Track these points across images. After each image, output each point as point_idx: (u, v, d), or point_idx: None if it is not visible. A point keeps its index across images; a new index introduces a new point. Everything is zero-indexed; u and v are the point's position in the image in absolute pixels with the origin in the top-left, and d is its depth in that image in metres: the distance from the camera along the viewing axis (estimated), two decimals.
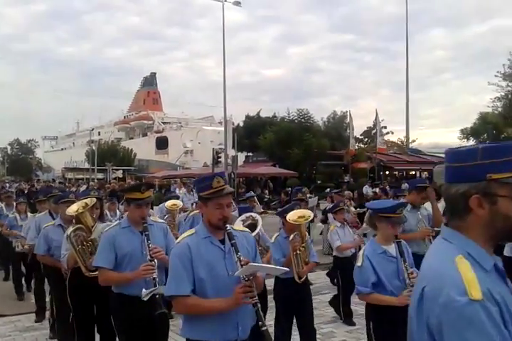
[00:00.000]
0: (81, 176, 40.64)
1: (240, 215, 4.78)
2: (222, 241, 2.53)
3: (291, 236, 4.25)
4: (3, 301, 7.02)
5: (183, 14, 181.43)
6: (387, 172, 31.54)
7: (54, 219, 5.17)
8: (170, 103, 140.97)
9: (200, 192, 2.57)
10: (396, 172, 32.86)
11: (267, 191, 27.04)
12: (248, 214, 4.71)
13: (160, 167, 50.43)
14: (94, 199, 4.22)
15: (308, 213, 4.43)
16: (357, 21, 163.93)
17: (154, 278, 3.01)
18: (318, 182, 29.82)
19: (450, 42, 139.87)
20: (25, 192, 19.61)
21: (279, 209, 5.21)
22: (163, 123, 73.22)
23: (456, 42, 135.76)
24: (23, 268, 7.44)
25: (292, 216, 4.29)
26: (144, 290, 2.95)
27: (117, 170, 37.79)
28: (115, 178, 34.36)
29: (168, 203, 7.07)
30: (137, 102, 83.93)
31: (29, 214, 7.49)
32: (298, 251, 4.25)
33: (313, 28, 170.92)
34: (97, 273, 3.58)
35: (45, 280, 5.65)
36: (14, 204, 8.39)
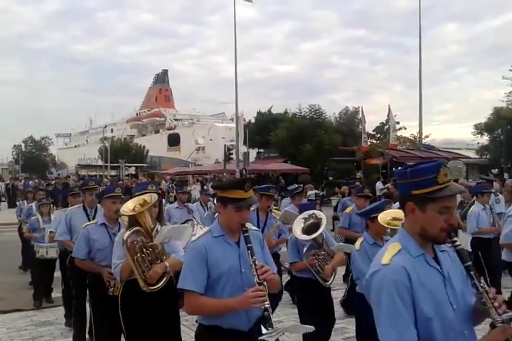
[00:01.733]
0: (94, 173, 40.99)
1: (301, 212, 4.25)
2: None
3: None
4: (20, 296, 7.14)
5: (194, 11, 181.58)
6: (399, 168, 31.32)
7: (87, 214, 4.98)
8: (182, 100, 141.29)
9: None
10: None
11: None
12: (311, 212, 4.11)
13: (172, 163, 50.66)
14: (155, 196, 3.48)
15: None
16: (369, 16, 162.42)
17: (267, 309, 2.31)
18: (330, 178, 29.71)
19: (464, 37, 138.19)
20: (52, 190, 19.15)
21: (365, 208, 4.26)
22: (175, 120, 73.54)
23: (469, 37, 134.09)
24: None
25: (384, 216, 3.49)
26: (263, 329, 2.26)
27: (130, 166, 38.11)
28: (128, 175, 34.64)
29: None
30: (149, 99, 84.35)
31: (52, 215, 7.14)
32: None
33: (326, 24, 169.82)
34: (157, 287, 3.27)
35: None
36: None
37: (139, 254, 3.23)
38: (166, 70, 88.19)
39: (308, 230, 3.98)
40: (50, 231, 5.74)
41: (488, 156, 30.51)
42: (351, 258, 3.74)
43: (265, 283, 2.33)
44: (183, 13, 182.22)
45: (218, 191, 2.60)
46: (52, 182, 26.41)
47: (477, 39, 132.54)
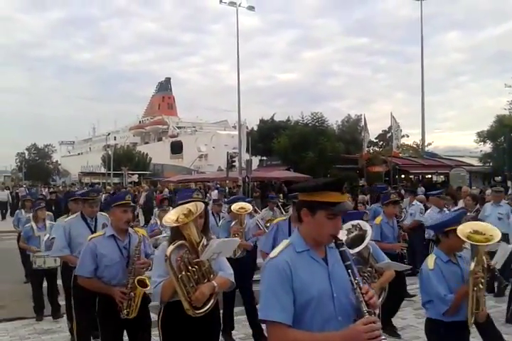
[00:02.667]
0: (97, 180, 41.10)
1: (345, 222, 3.65)
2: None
3: (472, 265, 3.07)
4: (23, 304, 7.12)
5: (197, 20, 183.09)
6: (402, 176, 31.26)
7: (88, 224, 4.60)
8: (184, 108, 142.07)
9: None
10: (412, 176, 32.53)
11: (281, 195, 27.02)
12: (355, 222, 3.63)
13: (175, 171, 50.78)
14: (201, 205, 3.06)
15: (490, 229, 3.14)
16: (371, 25, 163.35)
17: None
18: None
19: (466, 45, 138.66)
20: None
21: (438, 220, 3.78)
22: (178, 127, 73.77)
23: (471, 45, 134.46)
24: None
25: (464, 229, 3.10)
26: None
27: (133, 174, 38.19)
28: (131, 182, 34.70)
29: (235, 206, 5.65)
30: (152, 107, 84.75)
31: (48, 222, 6.73)
32: (480, 286, 3.09)
33: (328, 32, 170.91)
34: (203, 310, 2.89)
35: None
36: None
37: (183, 272, 2.84)
38: (169, 78, 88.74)
39: (352, 243, 3.47)
40: (52, 237, 5.13)
41: (491, 164, 30.45)
42: (423, 278, 3.30)
43: (376, 311, 1.90)
44: (185, 21, 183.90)
45: (303, 194, 2.06)
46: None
47: (479, 47, 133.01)
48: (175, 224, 2.95)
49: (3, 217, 22.18)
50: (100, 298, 3.64)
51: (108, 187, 33.66)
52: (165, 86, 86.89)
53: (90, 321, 4.17)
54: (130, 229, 3.73)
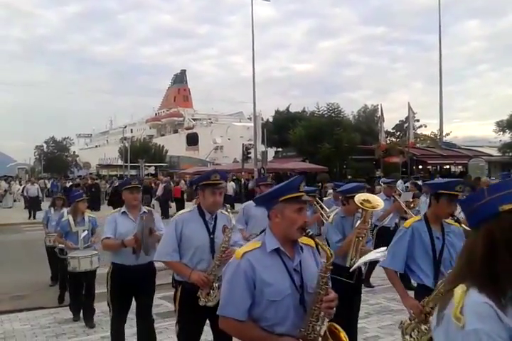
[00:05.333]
0: (115, 173, 41.47)
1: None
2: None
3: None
4: (43, 294, 7.29)
5: (213, 11, 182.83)
6: (420, 167, 30.92)
7: (205, 221, 3.57)
8: (200, 100, 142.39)
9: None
10: (429, 167, 32.17)
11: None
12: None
13: (191, 163, 50.94)
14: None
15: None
16: (389, 13, 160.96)
17: None
18: (349, 177, 29.53)
19: (486, 33, 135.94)
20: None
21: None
22: (194, 119, 73.89)
23: (491, 33, 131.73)
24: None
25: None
26: None
27: (149, 166, 38.42)
28: (147, 174, 34.95)
29: (359, 197, 4.47)
30: (168, 99, 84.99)
31: (88, 215, 6.08)
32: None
33: (344, 21, 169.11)
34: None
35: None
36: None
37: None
38: (184, 70, 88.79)
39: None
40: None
41: (510, 154, 29.89)
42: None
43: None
44: (202, 13, 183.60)
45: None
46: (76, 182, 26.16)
47: (499, 35, 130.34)
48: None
49: (34, 216, 18.87)
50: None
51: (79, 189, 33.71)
52: (180, 78, 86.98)
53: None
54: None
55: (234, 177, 25.70)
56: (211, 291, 3.30)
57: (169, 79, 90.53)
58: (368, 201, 3.91)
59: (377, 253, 3.32)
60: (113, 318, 4.40)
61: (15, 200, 26.28)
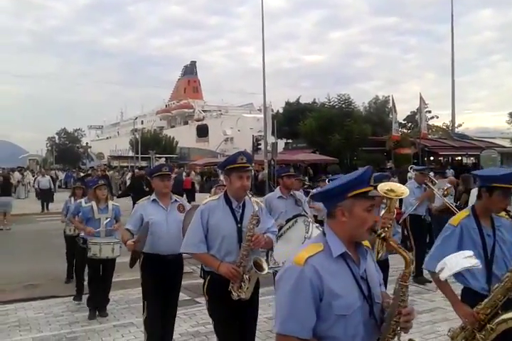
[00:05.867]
0: (126, 164, 41.71)
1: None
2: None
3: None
4: (56, 283, 7.39)
5: (223, 2, 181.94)
6: (431, 158, 30.65)
7: (232, 210, 3.28)
8: (210, 91, 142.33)
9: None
10: (441, 158, 31.88)
11: (306, 178, 26.91)
12: None
13: (201, 154, 51.05)
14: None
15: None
16: (400, 3, 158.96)
17: None
18: (359, 168, 29.37)
19: (498, 23, 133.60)
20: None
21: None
22: (204, 111, 73.85)
23: (504, 23, 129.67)
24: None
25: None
26: None
27: (160, 157, 38.59)
28: (138, 167, 35.13)
29: (383, 186, 4.03)
30: (178, 91, 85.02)
31: (111, 203, 5.92)
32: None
33: (356, 12, 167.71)
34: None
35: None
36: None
37: None
38: (195, 62, 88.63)
39: None
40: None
41: None
42: None
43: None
44: (211, 4, 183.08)
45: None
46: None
47: None
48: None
49: (46, 208, 18.65)
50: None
51: (136, 170, 34.14)
52: (190, 69, 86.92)
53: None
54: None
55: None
56: (242, 284, 3.09)
57: (179, 70, 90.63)
58: (392, 190, 3.72)
59: (470, 260, 2.73)
60: (148, 320, 4.05)
61: (28, 191, 26.49)
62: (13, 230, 14.19)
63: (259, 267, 3.09)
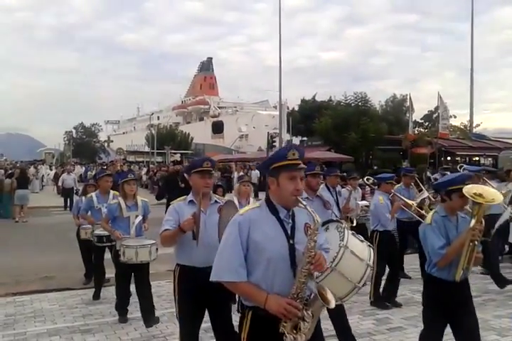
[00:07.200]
0: (141, 159, 42.09)
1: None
2: None
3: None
4: (71, 276, 7.47)
5: None
6: (448, 158, 30.28)
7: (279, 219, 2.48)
8: (226, 88, 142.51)
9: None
10: (458, 158, 31.47)
11: (321, 176, 26.78)
12: None
13: (216, 151, 51.23)
14: None
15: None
16: (420, 1, 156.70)
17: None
18: (375, 167, 29.17)
19: None
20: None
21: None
22: (219, 107, 74.10)
23: None
24: None
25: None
26: None
27: (175, 153, 38.83)
28: (173, 161, 35.34)
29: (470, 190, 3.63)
30: (194, 87, 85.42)
31: (141, 199, 5.25)
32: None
33: (375, 8, 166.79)
34: None
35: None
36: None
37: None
38: (211, 58, 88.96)
39: None
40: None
41: None
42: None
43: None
44: (229, 0, 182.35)
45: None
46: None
47: None
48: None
49: (67, 207, 17.12)
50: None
51: (152, 165, 34.41)
52: (207, 66, 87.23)
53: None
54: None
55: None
56: (300, 323, 2.22)
57: (196, 66, 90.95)
58: (480, 195, 3.16)
59: None
60: (184, 336, 3.46)
61: (44, 185, 26.70)
62: (29, 222, 14.44)
63: (324, 298, 2.26)
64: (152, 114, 60.71)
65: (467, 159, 31.75)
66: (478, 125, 36.56)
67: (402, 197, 6.49)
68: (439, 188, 3.58)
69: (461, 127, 36.04)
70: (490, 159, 30.02)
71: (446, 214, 3.36)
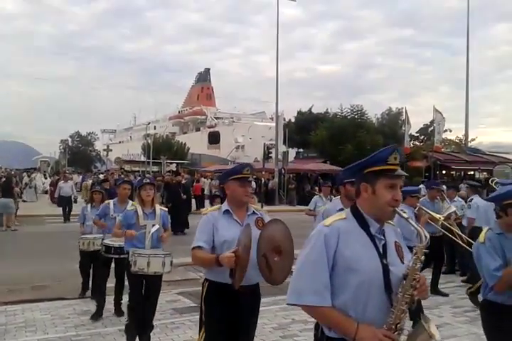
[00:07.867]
0: (137, 168, 41.98)
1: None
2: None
3: None
4: (64, 285, 7.41)
5: (239, 11, 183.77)
6: (443, 172, 30.43)
7: (371, 235, 2.13)
8: (223, 99, 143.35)
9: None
10: (453, 172, 31.63)
11: (317, 188, 26.86)
12: None
13: (212, 161, 51.23)
14: None
15: None
16: (417, 16, 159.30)
17: None
18: None
19: None
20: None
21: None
22: (216, 118, 74.28)
23: None
24: None
25: None
26: None
27: (171, 163, 38.78)
28: (169, 171, 35.31)
29: None
30: (191, 97, 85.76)
31: (159, 207, 4.87)
32: None
33: (371, 23, 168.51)
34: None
35: None
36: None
37: None
38: (208, 69, 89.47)
39: None
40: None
41: None
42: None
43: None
44: (228, 12, 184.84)
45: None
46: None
47: None
48: None
49: (68, 218, 16.16)
50: None
51: (147, 175, 34.31)
52: (204, 76, 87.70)
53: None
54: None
55: (254, 177, 25.73)
56: None
57: (193, 77, 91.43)
58: None
59: None
60: None
61: (37, 193, 26.24)
62: (21, 231, 14.30)
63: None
64: (149, 123, 60.62)
65: (462, 173, 31.92)
66: (473, 139, 36.94)
67: (429, 211, 6.22)
68: (497, 201, 3.17)
69: (457, 141, 36.32)
70: (485, 173, 30.17)
71: (501, 232, 3.00)
